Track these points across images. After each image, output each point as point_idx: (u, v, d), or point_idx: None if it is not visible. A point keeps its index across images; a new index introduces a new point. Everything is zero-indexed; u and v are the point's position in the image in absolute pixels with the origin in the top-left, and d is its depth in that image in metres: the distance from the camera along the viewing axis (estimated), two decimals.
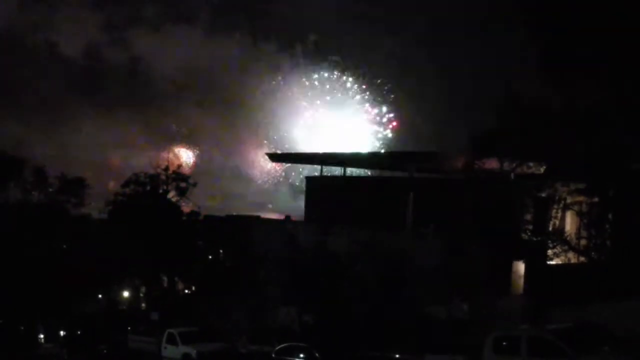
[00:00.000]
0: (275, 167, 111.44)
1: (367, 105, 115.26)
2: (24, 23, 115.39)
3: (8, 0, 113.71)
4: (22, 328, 64.61)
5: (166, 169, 67.58)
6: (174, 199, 67.58)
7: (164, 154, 71.08)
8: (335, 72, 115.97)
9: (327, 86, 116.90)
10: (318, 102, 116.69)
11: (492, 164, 52.10)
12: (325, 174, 77.99)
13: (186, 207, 67.40)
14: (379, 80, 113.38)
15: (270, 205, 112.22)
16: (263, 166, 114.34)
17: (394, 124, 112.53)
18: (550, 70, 42.64)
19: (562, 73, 42.10)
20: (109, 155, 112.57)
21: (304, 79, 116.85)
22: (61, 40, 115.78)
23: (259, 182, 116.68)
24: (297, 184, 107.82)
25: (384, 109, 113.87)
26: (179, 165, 70.93)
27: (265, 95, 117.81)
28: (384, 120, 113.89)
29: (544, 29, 42.50)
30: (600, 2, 41.09)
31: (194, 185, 67.88)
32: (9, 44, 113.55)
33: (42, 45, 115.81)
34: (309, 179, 78.82)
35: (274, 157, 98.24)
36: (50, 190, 67.68)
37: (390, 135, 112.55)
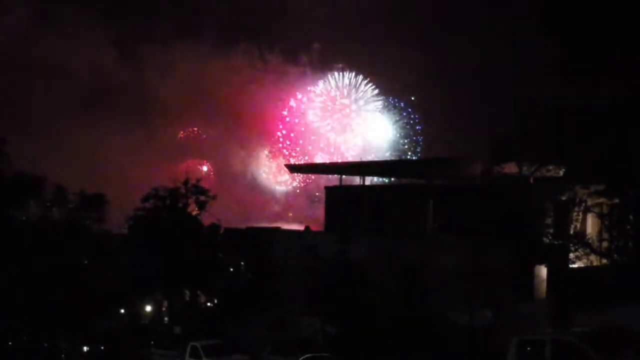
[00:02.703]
0: (292, 177, 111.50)
1: (382, 112, 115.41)
2: (32, 41, 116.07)
3: (20, 19, 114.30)
4: (45, 345, 64.72)
5: (185, 182, 67.61)
6: (193, 213, 67.62)
7: (182, 168, 71.06)
8: (346, 80, 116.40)
9: (338, 94, 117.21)
10: (329, 110, 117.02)
11: (511, 168, 51.96)
12: (343, 183, 77.97)
13: (206, 220, 67.44)
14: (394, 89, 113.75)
15: (290, 214, 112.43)
16: (280, 176, 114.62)
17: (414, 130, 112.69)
18: (567, 72, 42.50)
19: (579, 75, 41.95)
20: (123, 170, 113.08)
21: (311, 88, 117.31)
22: (70, 57, 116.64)
23: (276, 192, 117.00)
24: (318, 194, 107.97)
25: (400, 116, 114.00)
26: (198, 179, 70.90)
27: (276, 105, 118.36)
28: (401, 127, 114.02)
29: (560, 31, 42.37)
30: (617, 3, 40.93)
31: (214, 198, 67.88)
32: (19, 61, 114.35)
33: (51, 62, 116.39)
34: (329, 189, 78.74)
35: (293, 168, 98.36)
36: (70, 206, 67.84)
37: (408, 142, 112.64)
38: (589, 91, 42.98)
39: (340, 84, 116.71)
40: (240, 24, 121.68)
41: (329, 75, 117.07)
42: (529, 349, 29.76)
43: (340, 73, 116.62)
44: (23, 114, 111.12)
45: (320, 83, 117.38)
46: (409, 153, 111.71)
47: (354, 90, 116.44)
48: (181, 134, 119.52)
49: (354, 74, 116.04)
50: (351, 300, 49.87)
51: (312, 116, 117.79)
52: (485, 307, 48.55)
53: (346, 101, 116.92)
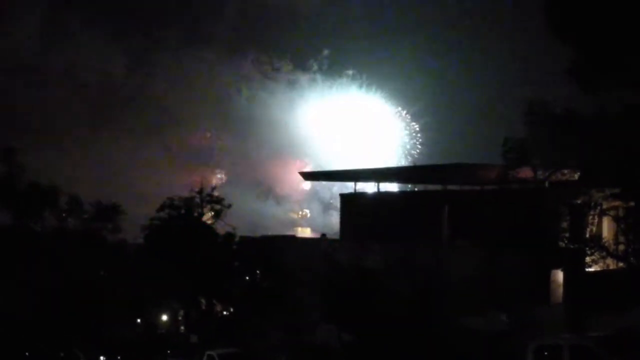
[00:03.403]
0: (305, 184, 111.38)
1: (395, 118, 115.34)
2: (43, 51, 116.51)
3: (30, 29, 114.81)
4: (62, 355, 64.88)
5: (200, 191, 67.80)
6: (209, 222, 67.76)
7: (196, 177, 71.20)
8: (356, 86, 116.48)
9: (349, 101, 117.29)
10: (342, 117, 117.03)
11: (526, 172, 51.81)
12: (357, 189, 77.88)
13: (221, 229, 67.56)
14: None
15: (304, 223, 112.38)
16: (293, 183, 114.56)
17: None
18: (580, 74, 42.33)
19: (593, 77, 41.77)
20: (137, 180, 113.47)
21: (322, 94, 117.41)
22: (80, 67, 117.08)
23: (290, 199, 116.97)
24: (331, 201, 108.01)
25: (413, 122, 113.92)
26: (213, 188, 71.07)
27: (287, 113, 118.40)
28: (414, 133, 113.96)
29: (574, 33, 42.21)
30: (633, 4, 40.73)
31: (229, 207, 68.04)
32: (31, 71, 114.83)
33: (62, 72, 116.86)
34: (344, 196, 78.64)
35: (307, 175, 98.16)
36: (85, 217, 68.07)
37: (421, 148, 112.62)
38: (604, 93, 42.79)
39: (351, 90, 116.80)
40: (249, 32, 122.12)
41: (340, 82, 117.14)
42: (546, 353, 29.67)
43: (351, 79, 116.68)
44: (35, 124, 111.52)
45: (333, 88, 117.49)
46: (419, 158, 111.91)
47: (365, 95, 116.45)
48: (194, 140, 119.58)
49: (364, 79, 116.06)
50: (367, 307, 49.81)
51: (326, 122, 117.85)
52: (501, 312, 48.43)
53: (358, 107, 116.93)
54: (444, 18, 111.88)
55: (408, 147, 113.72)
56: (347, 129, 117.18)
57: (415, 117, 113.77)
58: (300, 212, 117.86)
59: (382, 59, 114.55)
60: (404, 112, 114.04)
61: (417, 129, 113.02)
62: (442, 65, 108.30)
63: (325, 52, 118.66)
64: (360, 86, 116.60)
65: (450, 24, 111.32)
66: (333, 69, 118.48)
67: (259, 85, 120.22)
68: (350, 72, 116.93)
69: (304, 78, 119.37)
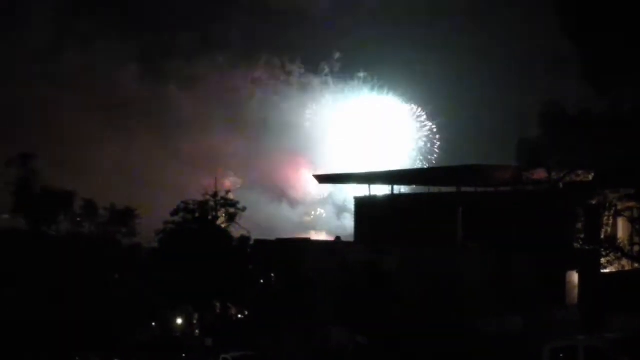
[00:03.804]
0: (319, 187, 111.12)
1: (408, 120, 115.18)
2: (56, 55, 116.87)
3: (43, 34, 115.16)
4: (77, 359, 65.07)
5: (214, 195, 67.83)
6: (223, 225, 67.77)
7: (211, 181, 71.07)
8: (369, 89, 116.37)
9: (362, 103, 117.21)
10: (354, 119, 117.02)
11: (540, 174, 51.72)
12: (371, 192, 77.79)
13: (236, 233, 67.59)
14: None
15: (318, 226, 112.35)
16: (306, 186, 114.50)
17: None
18: (593, 75, 42.23)
19: (606, 78, 41.67)
20: (149, 184, 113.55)
21: (334, 97, 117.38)
22: (93, 71, 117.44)
23: (304, 202, 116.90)
24: (344, 203, 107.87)
25: (427, 123, 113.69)
26: (227, 191, 71.06)
27: (300, 116, 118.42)
28: (428, 135, 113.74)
29: (586, 35, 42.12)
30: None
31: (243, 210, 68.06)
32: (43, 75, 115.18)
33: (75, 77, 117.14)
34: (358, 199, 78.48)
35: (321, 178, 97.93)
36: (100, 221, 68.24)
37: (435, 150, 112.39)
38: (617, 94, 42.68)
39: (363, 93, 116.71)
40: (261, 36, 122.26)
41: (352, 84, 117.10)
42: (561, 355, 29.53)
43: (363, 82, 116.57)
44: (49, 129, 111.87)
45: (345, 91, 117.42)
46: (433, 161, 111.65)
47: (377, 98, 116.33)
48: (207, 143, 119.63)
49: (376, 81, 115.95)
50: (381, 309, 49.76)
51: (339, 125, 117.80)
52: (515, 314, 48.29)
53: (371, 109, 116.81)
54: (454, 18, 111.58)
55: (422, 148, 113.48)
56: (360, 132, 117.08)
57: (428, 118, 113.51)
58: (313, 213, 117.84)
59: (394, 61, 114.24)
60: (417, 112, 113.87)
61: (434, 129, 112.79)
62: (455, 66, 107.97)
63: (337, 55, 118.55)
64: (373, 88, 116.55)
65: (462, 24, 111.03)
66: (345, 72, 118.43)
67: (271, 89, 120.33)
68: (362, 74, 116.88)
69: (316, 81, 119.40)
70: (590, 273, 50.10)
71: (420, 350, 46.07)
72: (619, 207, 50.64)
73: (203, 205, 67.42)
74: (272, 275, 66.93)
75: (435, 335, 46.22)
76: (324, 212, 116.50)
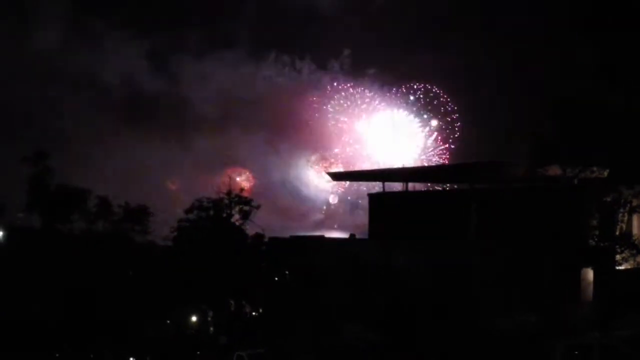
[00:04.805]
0: (332, 184, 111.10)
1: (420, 118, 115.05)
2: (66, 54, 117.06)
3: (51, 31, 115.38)
4: (92, 356, 65.23)
5: (229, 193, 67.79)
6: (237, 223, 67.75)
7: (225, 178, 70.96)
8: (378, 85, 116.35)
9: (373, 100, 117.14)
10: (366, 116, 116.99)
11: (554, 170, 51.57)
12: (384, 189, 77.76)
13: (250, 230, 67.57)
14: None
15: (332, 223, 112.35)
16: (319, 184, 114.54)
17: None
18: (609, 71, 42.12)
19: (621, 73, 41.55)
20: (163, 181, 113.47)
21: (344, 94, 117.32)
22: (104, 69, 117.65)
23: (318, 199, 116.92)
24: (359, 201, 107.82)
25: (439, 121, 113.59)
26: (241, 189, 71.02)
27: (311, 114, 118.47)
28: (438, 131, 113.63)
29: (601, 30, 42.00)
30: None
31: (257, 207, 68.02)
32: (54, 74, 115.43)
33: (86, 75, 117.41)
34: (372, 196, 78.38)
35: (335, 175, 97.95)
36: (114, 219, 68.29)
37: (448, 147, 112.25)
38: (631, 90, 42.55)
39: (373, 90, 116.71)
40: (270, 33, 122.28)
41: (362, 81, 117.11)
42: (576, 353, 29.48)
43: (372, 79, 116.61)
44: (61, 127, 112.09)
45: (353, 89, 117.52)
46: (445, 158, 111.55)
47: (388, 96, 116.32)
48: (218, 141, 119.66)
49: (386, 78, 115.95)
50: (394, 306, 49.73)
51: (351, 122, 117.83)
52: (529, 312, 48.18)
53: (382, 107, 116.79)
54: (464, 14, 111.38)
55: (433, 146, 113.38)
56: (371, 129, 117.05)
57: (440, 114, 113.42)
58: (324, 208, 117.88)
59: (404, 57, 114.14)
60: (428, 109, 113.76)
61: (448, 126, 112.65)
62: (467, 63, 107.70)
63: (346, 51, 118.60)
64: (383, 85, 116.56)
65: (472, 19, 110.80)
66: (354, 68, 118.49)
67: (281, 86, 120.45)
68: (371, 71, 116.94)
69: (325, 78, 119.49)
70: (605, 270, 49.95)
71: (434, 348, 46.04)
72: (634, 204, 50.45)
73: (217, 203, 67.41)
74: (286, 272, 66.94)
75: (449, 333, 46.22)
76: (338, 210, 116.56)
